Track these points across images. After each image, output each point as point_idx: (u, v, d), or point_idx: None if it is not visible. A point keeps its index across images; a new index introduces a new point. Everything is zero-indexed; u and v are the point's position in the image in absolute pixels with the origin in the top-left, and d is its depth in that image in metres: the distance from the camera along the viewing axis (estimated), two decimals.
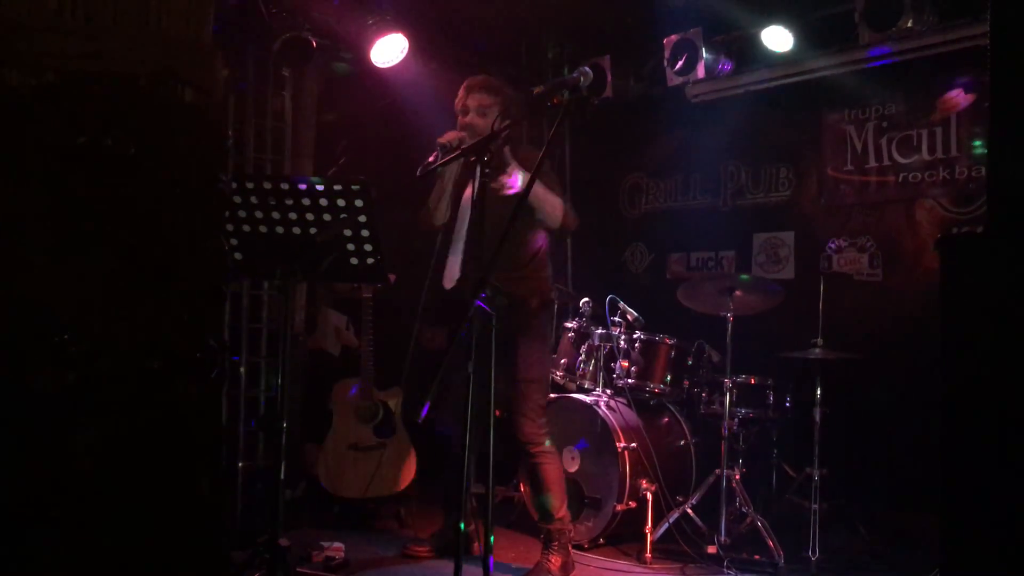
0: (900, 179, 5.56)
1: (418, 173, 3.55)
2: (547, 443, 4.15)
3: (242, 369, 5.14)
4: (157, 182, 1.64)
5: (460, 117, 4.12)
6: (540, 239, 4.19)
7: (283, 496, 3.29)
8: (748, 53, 5.83)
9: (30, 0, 1.60)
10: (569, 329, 5.23)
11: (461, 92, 4.16)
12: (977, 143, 5.25)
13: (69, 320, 1.60)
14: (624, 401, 5.04)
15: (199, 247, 1.69)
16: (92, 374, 1.58)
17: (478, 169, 3.10)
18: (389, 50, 5.54)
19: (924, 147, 5.46)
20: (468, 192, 4.20)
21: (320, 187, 3.08)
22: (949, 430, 2.06)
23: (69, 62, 1.58)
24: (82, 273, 1.60)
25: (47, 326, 1.58)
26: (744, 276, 4.97)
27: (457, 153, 3.56)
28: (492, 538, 2.80)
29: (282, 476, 3.24)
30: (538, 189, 3.84)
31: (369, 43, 5.50)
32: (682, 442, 5.16)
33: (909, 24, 4.94)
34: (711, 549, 4.49)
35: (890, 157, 5.61)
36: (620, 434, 4.74)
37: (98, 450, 1.61)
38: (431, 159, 3.61)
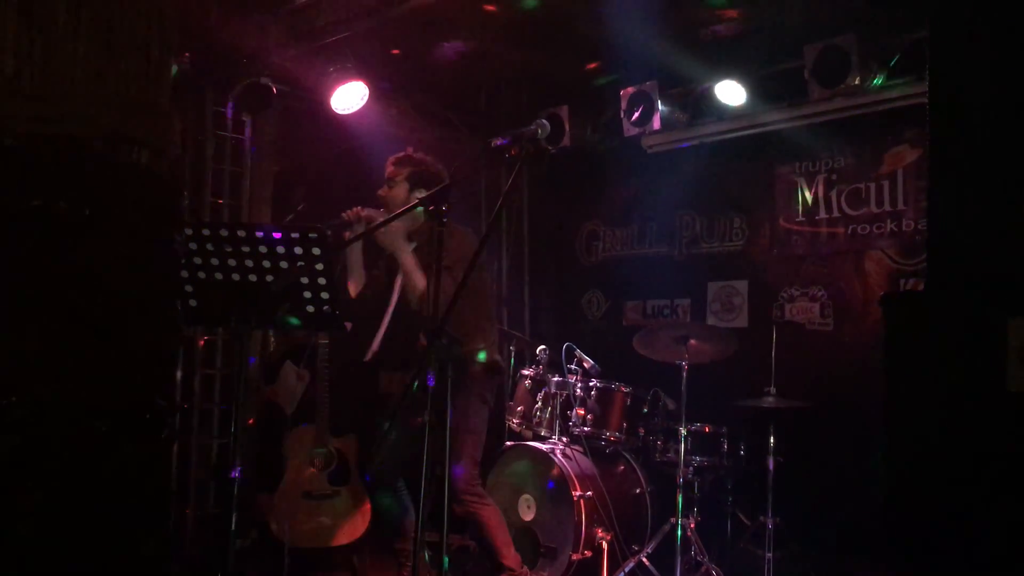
0: (849, 231, 5.68)
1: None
2: (480, 491, 4.17)
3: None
4: (110, 244, 1.63)
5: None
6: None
7: (233, 546, 3.23)
8: (702, 106, 5.95)
9: None
10: (526, 376, 5.24)
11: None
12: (924, 196, 5.39)
13: (16, 382, 1.58)
14: (580, 449, 5.04)
15: (150, 309, 1.68)
16: (38, 437, 1.55)
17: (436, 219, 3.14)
18: (349, 97, 5.57)
19: (872, 200, 5.60)
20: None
21: (277, 235, 3.07)
22: (892, 485, 2.10)
23: (25, 125, 1.58)
24: (30, 335, 1.58)
25: None
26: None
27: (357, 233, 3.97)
28: None
29: (233, 526, 3.19)
30: (408, 261, 4.06)
31: (329, 90, 5.53)
32: (637, 490, 5.17)
33: (857, 81, 5.09)
34: None
35: (840, 209, 5.74)
36: (576, 482, 4.73)
37: (42, 514, 1.58)
38: (346, 237, 3.80)
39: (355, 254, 4.28)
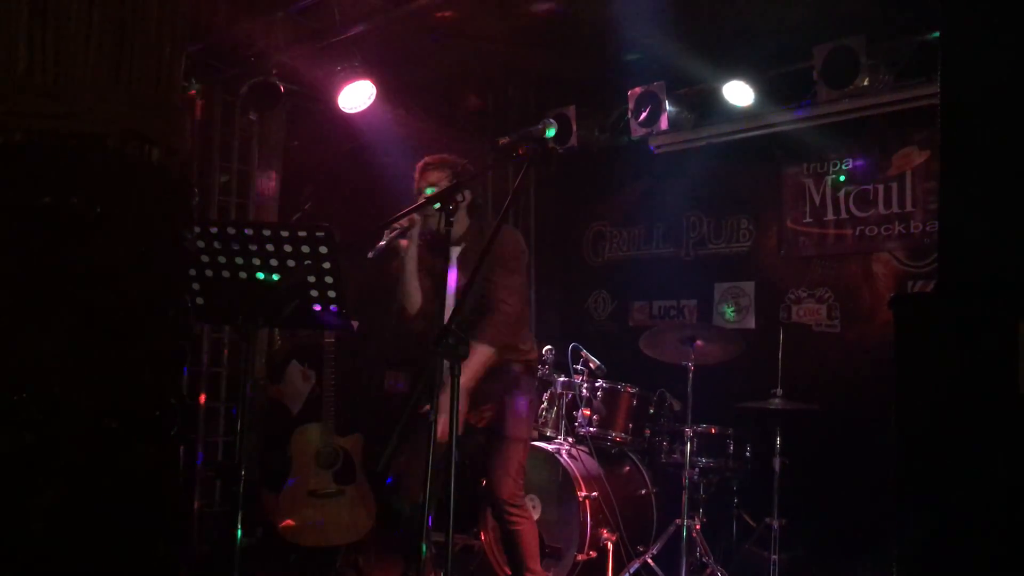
0: (857, 232, 5.67)
1: (369, 255, 3.59)
2: (524, 502, 4.06)
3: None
4: (121, 242, 1.63)
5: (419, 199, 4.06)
6: None
7: (239, 544, 3.23)
8: (710, 107, 5.94)
9: None
10: None
11: (416, 175, 4.04)
12: (932, 198, 5.38)
13: (28, 380, 1.58)
14: (586, 449, 5.03)
15: (161, 307, 1.68)
16: (51, 435, 1.55)
17: (442, 216, 3.13)
18: (357, 96, 5.57)
19: (880, 201, 5.58)
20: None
21: (284, 233, 3.07)
22: (901, 487, 2.09)
23: (37, 122, 1.58)
24: (42, 333, 1.58)
25: (5, 386, 1.55)
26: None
27: (399, 230, 3.71)
28: None
29: (239, 524, 3.18)
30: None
31: (337, 89, 5.53)
32: (643, 491, 5.16)
33: (865, 83, 5.08)
34: None
35: (847, 210, 5.72)
36: (581, 483, 4.72)
37: (54, 513, 1.57)
38: (382, 242, 3.66)
39: (411, 266, 3.94)
